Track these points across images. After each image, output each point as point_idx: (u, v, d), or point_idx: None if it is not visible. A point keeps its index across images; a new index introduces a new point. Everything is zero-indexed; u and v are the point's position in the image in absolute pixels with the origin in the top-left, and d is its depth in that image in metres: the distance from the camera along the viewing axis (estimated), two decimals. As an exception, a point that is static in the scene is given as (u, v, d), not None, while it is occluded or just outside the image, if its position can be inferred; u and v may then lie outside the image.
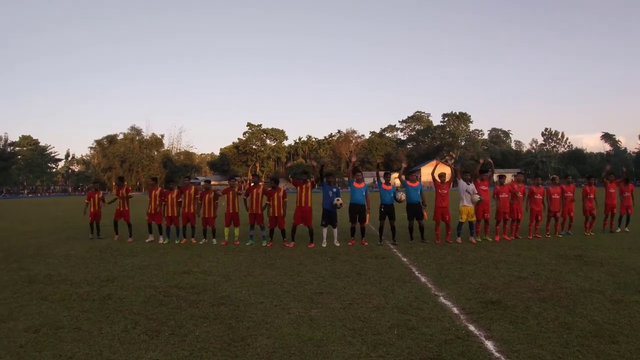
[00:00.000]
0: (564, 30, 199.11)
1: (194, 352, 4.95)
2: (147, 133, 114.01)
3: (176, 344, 5.18)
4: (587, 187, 14.72)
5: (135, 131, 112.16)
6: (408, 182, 12.94)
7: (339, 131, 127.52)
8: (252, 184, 13.50)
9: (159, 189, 14.48)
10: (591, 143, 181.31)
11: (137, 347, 5.14)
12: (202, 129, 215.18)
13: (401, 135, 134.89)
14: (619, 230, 14.77)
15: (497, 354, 4.82)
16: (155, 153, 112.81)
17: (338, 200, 12.20)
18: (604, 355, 4.78)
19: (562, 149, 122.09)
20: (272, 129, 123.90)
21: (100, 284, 8.25)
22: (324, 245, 12.25)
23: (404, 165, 14.03)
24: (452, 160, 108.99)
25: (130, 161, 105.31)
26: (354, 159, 14.07)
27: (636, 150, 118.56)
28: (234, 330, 5.62)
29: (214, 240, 13.25)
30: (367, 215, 12.82)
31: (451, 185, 13.42)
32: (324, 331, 5.52)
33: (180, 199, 13.72)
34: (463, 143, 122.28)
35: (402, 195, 12.70)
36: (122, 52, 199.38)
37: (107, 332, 5.62)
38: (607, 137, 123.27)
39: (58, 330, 5.75)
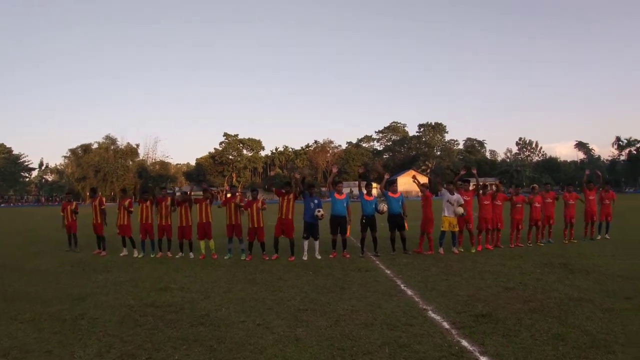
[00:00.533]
0: (537, 40, 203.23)
1: (172, 379, 4.62)
2: (122, 142, 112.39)
3: (154, 370, 4.85)
4: (566, 194, 14.77)
5: (110, 140, 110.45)
6: (389, 193, 12.77)
7: (315, 141, 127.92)
8: (228, 195, 13.18)
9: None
10: (564, 152, 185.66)
11: (111, 373, 4.80)
12: (178, 139, 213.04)
13: (377, 146, 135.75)
14: (599, 237, 14.86)
15: (494, 371, 4.61)
16: (130, 163, 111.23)
17: (319, 211, 11.97)
18: (602, 366, 4.64)
19: (537, 157, 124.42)
20: (249, 139, 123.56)
21: (72, 302, 7.83)
22: (305, 258, 11.94)
23: (386, 176, 13.87)
24: (429, 170, 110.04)
25: (104, 171, 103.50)
26: (334, 170, 13.84)
27: (609, 159, 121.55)
28: (215, 353, 5.28)
29: (191, 254, 12.80)
30: (349, 226, 12.58)
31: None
32: (312, 352, 5.23)
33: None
34: (439, 153, 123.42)
35: (384, 207, 12.54)
36: (98, 59, 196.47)
37: (80, 356, 5.24)
38: (581, 145, 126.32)
39: (27, 354, 5.36)
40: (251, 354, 5.21)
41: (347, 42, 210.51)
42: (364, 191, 12.71)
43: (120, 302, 7.83)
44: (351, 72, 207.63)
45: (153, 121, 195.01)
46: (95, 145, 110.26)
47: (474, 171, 14.22)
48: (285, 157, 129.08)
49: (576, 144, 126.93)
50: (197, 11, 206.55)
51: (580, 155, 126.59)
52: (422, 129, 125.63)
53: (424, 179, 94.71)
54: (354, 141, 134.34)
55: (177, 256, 12.84)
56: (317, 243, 12.33)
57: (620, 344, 5.20)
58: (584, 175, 15.65)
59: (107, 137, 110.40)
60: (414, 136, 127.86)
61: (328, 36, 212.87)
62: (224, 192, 14.95)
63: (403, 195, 13.22)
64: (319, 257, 12.04)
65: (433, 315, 6.62)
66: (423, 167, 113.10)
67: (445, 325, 6.12)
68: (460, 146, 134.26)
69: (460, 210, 12.33)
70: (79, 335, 6.03)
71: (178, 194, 14.18)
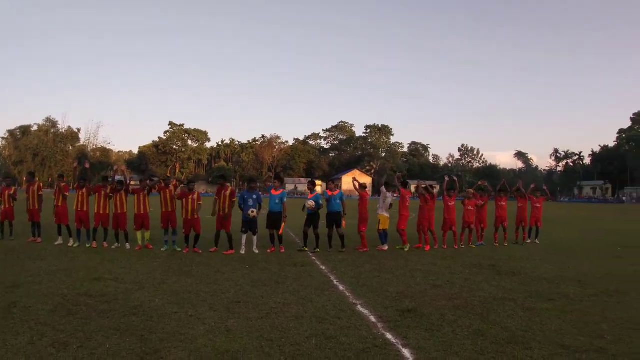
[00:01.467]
0: (484, 50, 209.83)
1: (102, 366, 4.58)
2: (63, 126, 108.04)
3: (85, 358, 4.78)
4: (498, 199, 15.35)
5: (51, 123, 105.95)
6: (328, 191, 12.97)
7: (263, 136, 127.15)
8: (163, 184, 13.03)
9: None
10: (504, 160, 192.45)
11: (43, 360, 4.71)
12: (122, 125, 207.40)
13: (324, 144, 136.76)
14: (529, 241, 15.54)
15: (413, 362, 4.83)
16: (70, 148, 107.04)
17: (252, 212, 12.05)
18: (518, 361, 4.93)
19: (477, 164, 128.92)
20: (195, 130, 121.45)
21: (4, 290, 7.54)
22: (243, 252, 11.99)
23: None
24: (373, 171, 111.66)
25: (43, 155, 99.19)
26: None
27: (547, 169, 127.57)
28: (146, 342, 5.27)
29: (127, 245, 12.53)
30: (283, 223, 12.66)
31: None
32: (241, 342, 5.31)
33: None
34: (384, 154, 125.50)
35: (310, 203, 12.62)
36: (43, 40, 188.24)
37: (12, 345, 5.09)
38: (520, 155, 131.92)
39: (-45, 342, 5.17)
40: (181, 344, 5.23)
41: (299, 40, 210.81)
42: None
43: (53, 291, 7.61)
44: (303, 69, 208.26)
45: (96, 105, 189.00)
46: (35, 128, 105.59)
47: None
48: (231, 150, 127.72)
49: (516, 153, 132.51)
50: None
51: (519, 164, 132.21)
52: (368, 130, 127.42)
53: (367, 180, 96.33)
54: (302, 138, 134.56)
55: (112, 247, 12.51)
56: (255, 237, 12.38)
57: (538, 341, 5.51)
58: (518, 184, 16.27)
59: (48, 120, 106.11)
60: (360, 137, 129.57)
61: (281, 33, 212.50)
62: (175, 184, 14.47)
63: (343, 193, 13.43)
64: (257, 252, 12.08)
65: (361, 309, 6.83)
66: (367, 168, 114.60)
67: (372, 319, 6.34)
68: (405, 149, 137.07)
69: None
70: (11, 323, 5.84)
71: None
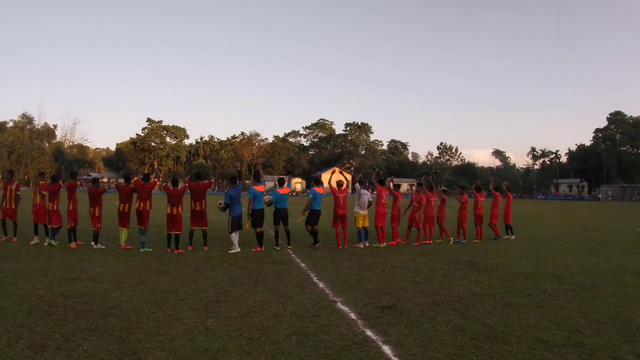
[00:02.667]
0: (461, 50, 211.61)
1: (80, 368, 4.48)
2: (39, 122, 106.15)
3: (63, 360, 4.69)
4: (477, 195, 15.47)
5: (27, 119, 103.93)
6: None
7: (242, 133, 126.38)
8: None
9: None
10: (482, 158, 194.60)
11: (19, 363, 4.60)
12: (99, 122, 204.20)
13: (304, 141, 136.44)
14: (505, 237, 15.80)
15: (394, 358, 4.87)
16: (47, 145, 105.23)
17: (267, 197, 12.40)
18: (497, 355, 4.99)
19: (456, 162, 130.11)
20: (173, 127, 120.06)
21: (-22, 293, 7.36)
22: (238, 250, 11.94)
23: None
24: (352, 169, 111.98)
25: (18, 152, 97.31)
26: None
27: (524, 167, 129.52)
28: (124, 343, 5.19)
29: (95, 245, 12.21)
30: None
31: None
32: (221, 342, 5.26)
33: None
34: (363, 152, 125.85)
35: (267, 198, 12.67)
36: (17, 31, 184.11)
37: (-13, 347, 4.98)
38: (498, 153, 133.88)
39: None
40: (160, 344, 5.17)
41: (279, 36, 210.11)
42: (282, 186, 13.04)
43: (29, 292, 7.45)
44: (282, 66, 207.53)
45: (73, 101, 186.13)
46: (11, 124, 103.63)
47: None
48: (210, 147, 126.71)
49: (493, 151, 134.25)
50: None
51: (496, 162, 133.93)
52: (348, 128, 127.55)
53: (347, 177, 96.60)
54: (281, 135, 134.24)
55: (95, 247, 12.21)
56: (236, 235, 12.27)
57: (517, 336, 5.58)
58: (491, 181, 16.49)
59: (24, 116, 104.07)
60: (340, 134, 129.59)
61: (261, 30, 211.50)
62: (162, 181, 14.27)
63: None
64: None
65: (341, 306, 6.83)
66: (347, 165, 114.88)
67: (352, 316, 6.34)
68: (385, 147, 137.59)
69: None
70: (-14, 325, 5.71)
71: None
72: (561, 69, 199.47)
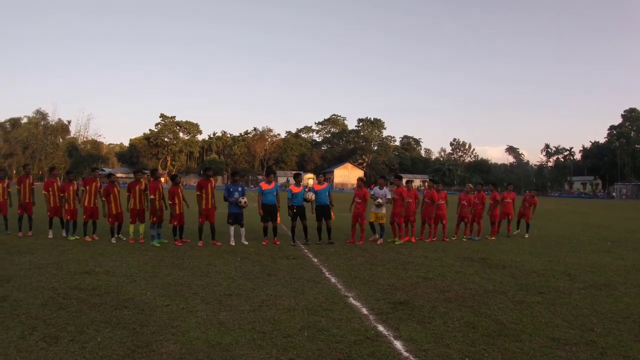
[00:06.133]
0: (475, 48, 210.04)
1: (94, 360, 4.56)
2: (53, 118, 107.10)
3: (76, 352, 4.76)
4: (496, 194, 15.32)
5: (41, 115, 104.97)
6: (314, 185, 13.01)
7: (255, 128, 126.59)
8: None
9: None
10: (495, 154, 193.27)
11: (34, 355, 4.67)
12: (113, 118, 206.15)
13: (316, 137, 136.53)
14: (515, 233, 15.77)
15: (405, 354, 4.87)
16: (61, 140, 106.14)
17: (243, 199, 12.20)
18: (509, 353, 4.98)
19: (469, 158, 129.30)
20: (186, 122, 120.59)
21: (-6, 285, 7.49)
22: (233, 243, 12.07)
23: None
24: (365, 164, 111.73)
25: (33, 148, 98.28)
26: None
27: (538, 164, 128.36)
28: (138, 335, 5.25)
29: (113, 240, 12.43)
30: (278, 214, 12.87)
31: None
32: (233, 335, 5.31)
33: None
34: (376, 148, 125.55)
35: (311, 195, 12.66)
36: (32, 29, 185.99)
37: (3, 339, 5.06)
38: (511, 149, 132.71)
39: (-54, 337, 5.12)
40: (173, 337, 5.23)
41: (294, 31, 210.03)
42: (293, 182, 12.98)
43: (44, 285, 7.55)
44: (295, 62, 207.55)
45: (87, 97, 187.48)
46: (25, 120, 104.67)
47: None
48: (222, 143, 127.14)
49: (507, 148, 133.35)
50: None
51: (510, 159, 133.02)
52: (361, 124, 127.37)
53: (360, 173, 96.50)
54: (294, 131, 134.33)
55: (113, 240, 12.45)
56: (243, 230, 12.53)
57: (528, 334, 5.57)
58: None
59: (38, 112, 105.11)
60: (352, 130, 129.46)
61: (274, 26, 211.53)
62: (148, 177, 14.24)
63: (330, 186, 13.48)
64: (247, 244, 12.15)
65: (353, 301, 6.86)
66: (360, 161, 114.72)
67: (364, 311, 6.37)
68: (397, 143, 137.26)
69: (379, 202, 12.89)
70: (2, 317, 5.80)
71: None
72: (576, 67, 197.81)
